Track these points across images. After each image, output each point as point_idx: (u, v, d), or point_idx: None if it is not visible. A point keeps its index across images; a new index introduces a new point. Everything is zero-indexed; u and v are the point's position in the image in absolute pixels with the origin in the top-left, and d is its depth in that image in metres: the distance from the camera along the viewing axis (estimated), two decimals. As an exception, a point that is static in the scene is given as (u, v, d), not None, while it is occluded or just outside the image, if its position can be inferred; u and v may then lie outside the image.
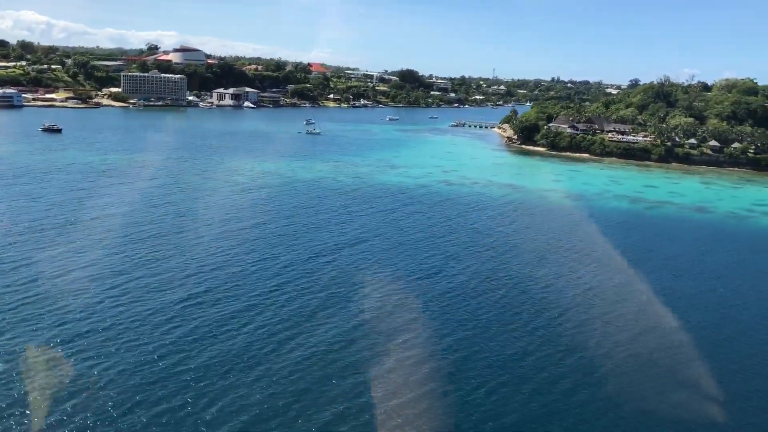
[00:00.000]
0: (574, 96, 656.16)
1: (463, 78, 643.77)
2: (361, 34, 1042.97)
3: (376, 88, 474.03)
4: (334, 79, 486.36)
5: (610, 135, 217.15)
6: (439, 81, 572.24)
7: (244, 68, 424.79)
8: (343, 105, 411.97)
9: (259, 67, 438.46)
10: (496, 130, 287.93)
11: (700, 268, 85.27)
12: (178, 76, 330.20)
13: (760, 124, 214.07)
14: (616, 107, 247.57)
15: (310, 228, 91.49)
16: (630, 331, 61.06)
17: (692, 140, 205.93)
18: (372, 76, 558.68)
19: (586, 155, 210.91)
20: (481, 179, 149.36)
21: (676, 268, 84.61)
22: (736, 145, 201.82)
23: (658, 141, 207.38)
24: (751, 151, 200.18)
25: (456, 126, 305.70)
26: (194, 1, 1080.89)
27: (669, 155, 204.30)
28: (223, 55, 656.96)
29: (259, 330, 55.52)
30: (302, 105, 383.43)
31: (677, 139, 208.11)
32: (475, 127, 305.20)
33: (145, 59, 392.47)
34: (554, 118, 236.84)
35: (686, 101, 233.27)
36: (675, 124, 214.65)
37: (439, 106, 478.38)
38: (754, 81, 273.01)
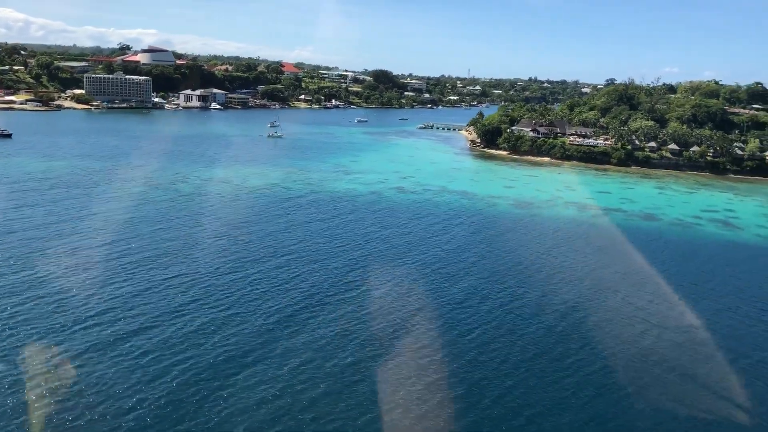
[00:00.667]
0: (549, 96, 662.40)
1: (438, 78, 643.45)
2: (344, 32, 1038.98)
3: (349, 88, 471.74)
4: (307, 80, 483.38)
5: (571, 138, 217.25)
6: (413, 81, 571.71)
7: (214, 69, 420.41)
8: (314, 106, 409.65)
9: (230, 68, 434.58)
10: (463, 132, 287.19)
11: (624, 282, 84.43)
12: (143, 77, 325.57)
13: (719, 127, 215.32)
14: (580, 110, 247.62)
15: (237, 240, 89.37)
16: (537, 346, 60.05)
17: (652, 143, 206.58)
18: (347, 76, 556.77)
19: (546, 159, 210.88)
20: (435, 186, 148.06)
21: (603, 279, 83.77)
22: (695, 148, 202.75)
23: (619, 144, 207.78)
24: (710, 154, 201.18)
25: (424, 128, 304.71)
26: None
27: (629, 159, 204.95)
28: (203, 54, 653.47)
29: (157, 347, 53.48)
30: (272, 106, 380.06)
31: (637, 142, 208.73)
32: (443, 129, 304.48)
33: (112, 60, 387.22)
34: (517, 122, 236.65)
35: (649, 104, 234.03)
36: (636, 127, 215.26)
37: (412, 107, 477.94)
38: (719, 83, 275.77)
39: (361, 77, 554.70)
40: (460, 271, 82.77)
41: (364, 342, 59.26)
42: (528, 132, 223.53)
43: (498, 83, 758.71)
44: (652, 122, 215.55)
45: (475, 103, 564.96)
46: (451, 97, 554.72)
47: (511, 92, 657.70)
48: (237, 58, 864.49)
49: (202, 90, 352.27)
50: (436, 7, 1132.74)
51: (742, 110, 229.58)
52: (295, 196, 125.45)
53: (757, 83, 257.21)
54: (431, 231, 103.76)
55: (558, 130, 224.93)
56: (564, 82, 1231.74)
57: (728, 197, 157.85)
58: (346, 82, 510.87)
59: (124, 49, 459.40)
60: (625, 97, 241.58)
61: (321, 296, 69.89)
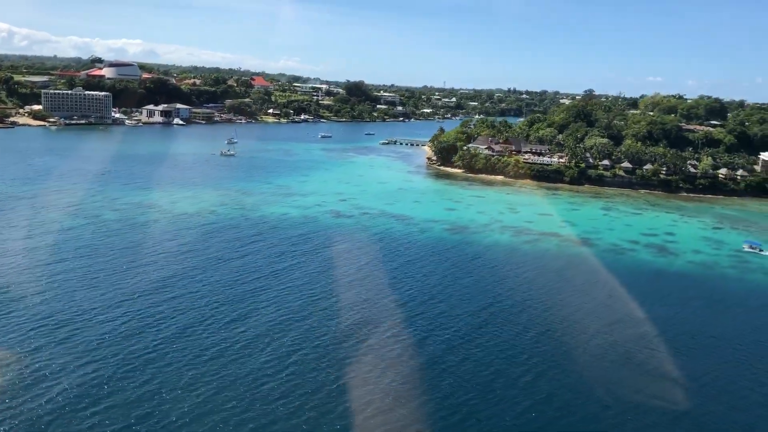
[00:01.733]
0: (525, 108, 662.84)
1: (415, 91, 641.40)
2: (329, 42, 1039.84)
3: (320, 102, 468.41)
4: (278, 93, 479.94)
5: (526, 156, 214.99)
6: (387, 94, 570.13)
7: (181, 83, 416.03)
8: (282, 120, 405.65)
9: (198, 81, 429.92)
10: (426, 148, 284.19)
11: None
12: (103, 93, 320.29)
13: (674, 144, 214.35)
14: (539, 126, 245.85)
15: (126, 274, 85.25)
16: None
17: (606, 162, 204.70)
18: (321, 88, 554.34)
19: (500, 178, 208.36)
20: (375, 209, 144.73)
21: (494, 315, 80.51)
22: (648, 166, 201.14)
23: (572, 163, 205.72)
24: (663, 172, 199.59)
25: (387, 144, 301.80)
26: (161, 9, 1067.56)
27: (582, 177, 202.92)
28: (187, 64, 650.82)
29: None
30: (238, 121, 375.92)
31: (591, 160, 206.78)
32: (406, 145, 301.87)
33: (75, 75, 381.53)
34: (474, 139, 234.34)
35: (605, 120, 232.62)
36: (591, 144, 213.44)
37: (384, 120, 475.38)
38: (681, 97, 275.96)
39: (335, 89, 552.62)
40: (347, 305, 79.32)
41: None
42: (483, 149, 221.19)
43: (475, 95, 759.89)
44: (606, 140, 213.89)
45: (449, 115, 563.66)
46: (425, 110, 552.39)
47: (487, 104, 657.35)
48: (217, 70, 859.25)
49: (165, 105, 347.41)
50: (420, 19, 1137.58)
51: (697, 127, 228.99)
52: (218, 222, 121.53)
53: (716, 99, 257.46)
54: (343, 259, 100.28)
55: (513, 148, 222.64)
56: (544, 92, 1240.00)
57: (673, 218, 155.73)
58: (318, 95, 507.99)
59: (95, 62, 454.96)
60: (582, 114, 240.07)
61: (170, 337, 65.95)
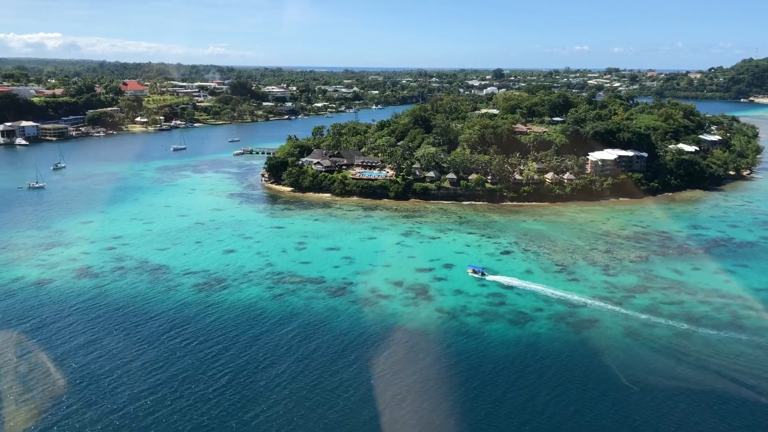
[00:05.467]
0: (428, 94, 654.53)
1: (306, 85, 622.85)
2: (258, 26, 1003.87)
3: (198, 104, 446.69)
4: (156, 96, 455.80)
5: (354, 171, 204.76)
6: (276, 90, 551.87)
7: (36, 95, 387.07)
8: (149, 129, 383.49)
9: (57, 92, 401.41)
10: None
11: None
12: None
13: (505, 148, 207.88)
14: (378, 134, 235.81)
15: None
16: None
17: (431, 174, 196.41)
18: (208, 87, 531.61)
19: (327, 196, 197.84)
20: (139, 258, 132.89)
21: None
22: (473, 176, 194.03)
23: (399, 176, 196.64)
24: (489, 181, 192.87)
25: (241, 154, 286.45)
26: (81, 1, 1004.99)
27: (408, 191, 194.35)
28: (110, 60, 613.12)
29: None
30: (96, 134, 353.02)
31: (417, 172, 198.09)
32: (262, 154, 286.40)
33: None
34: (308, 152, 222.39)
35: (443, 124, 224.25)
36: (420, 154, 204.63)
37: (267, 119, 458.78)
38: (536, 92, 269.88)
39: (222, 87, 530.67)
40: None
41: None
42: (314, 165, 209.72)
43: (376, 83, 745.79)
44: (435, 148, 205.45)
45: (343, 108, 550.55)
46: (317, 104, 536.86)
47: (387, 93, 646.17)
48: (138, 65, 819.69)
49: (9, 123, 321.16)
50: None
51: (532, 127, 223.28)
52: None
53: (560, 95, 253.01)
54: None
55: (344, 162, 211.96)
56: (462, 71, 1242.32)
57: (468, 242, 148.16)
58: (201, 95, 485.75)
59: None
60: (420, 119, 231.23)
61: None
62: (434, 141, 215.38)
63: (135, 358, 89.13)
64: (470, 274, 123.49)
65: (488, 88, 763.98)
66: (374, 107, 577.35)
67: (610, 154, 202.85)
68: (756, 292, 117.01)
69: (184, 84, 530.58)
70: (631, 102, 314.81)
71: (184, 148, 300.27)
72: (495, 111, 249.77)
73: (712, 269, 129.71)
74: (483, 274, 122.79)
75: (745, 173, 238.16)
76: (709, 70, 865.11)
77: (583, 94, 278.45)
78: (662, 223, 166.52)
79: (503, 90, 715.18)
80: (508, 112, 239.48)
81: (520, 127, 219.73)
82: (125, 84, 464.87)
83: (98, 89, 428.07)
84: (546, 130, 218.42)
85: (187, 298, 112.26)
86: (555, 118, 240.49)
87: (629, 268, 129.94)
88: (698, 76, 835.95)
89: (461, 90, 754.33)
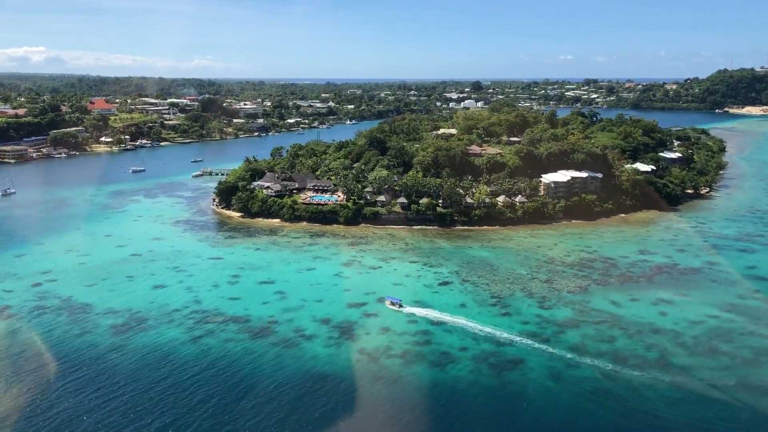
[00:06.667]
0: (404, 108, 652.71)
1: (280, 101, 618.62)
2: (242, 39, 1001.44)
3: (166, 122, 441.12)
4: (124, 115, 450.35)
5: (308, 195, 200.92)
6: (248, 107, 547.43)
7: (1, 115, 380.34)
8: (114, 149, 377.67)
9: (20, 112, 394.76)
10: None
11: None
12: None
13: (459, 170, 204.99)
14: (334, 156, 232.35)
15: None
16: None
17: (382, 198, 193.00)
18: (178, 103, 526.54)
19: (276, 221, 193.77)
20: (64, 296, 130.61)
21: None
22: (424, 200, 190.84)
23: (350, 201, 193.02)
24: (440, 205, 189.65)
25: (200, 175, 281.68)
26: (66, 14, 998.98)
27: (358, 216, 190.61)
28: (93, 74, 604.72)
29: None
30: (58, 156, 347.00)
31: (369, 196, 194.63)
32: (222, 175, 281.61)
33: None
34: (260, 176, 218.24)
35: (398, 145, 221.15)
36: (373, 177, 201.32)
37: (237, 137, 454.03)
38: (498, 111, 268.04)
39: (194, 104, 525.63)
40: None
41: None
42: (265, 189, 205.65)
43: (352, 97, 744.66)
44: (387, 171, 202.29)
45: (317, 124, 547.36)
46: (288, 120, 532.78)
47: (362, 108, 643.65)
48: (117, 79, 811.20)
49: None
50: (331, 12, 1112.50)
51: (486, 149, 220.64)
52: None
53: (518, 115, 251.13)
54: None
55: (297, 185, 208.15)
56: (443, 83, 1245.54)
57: (409, 271, 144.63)
58: (170, 113, 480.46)
59: None
60: (376, 141, 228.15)
61: None
62: (389, 163, 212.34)
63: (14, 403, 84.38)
64: (388, 306, 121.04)
65: (466, 101, 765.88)
66: (348, 122, 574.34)
67: (563, 175, 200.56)
68: (690, 325, 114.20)
69: (156, 101, 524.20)
70: (594, 119, 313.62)
71: (143, 170, 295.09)
72: (454, 131, 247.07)
73: (650, 300, 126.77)
74: (400, 306, 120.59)
75: (704, 191, 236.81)
76: (685, 81, 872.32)
77: (545, 112, 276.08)
78: (610, 247, 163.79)
79: (480, 103, 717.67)
80: (466, 132, 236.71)
81: (474, 148, 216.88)
82: (92, 103, 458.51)
83: (64, 108, 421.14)
84: (500, 151, 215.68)
85: (98, 341, 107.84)
86: (512, 138, 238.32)
87: (566, 299, 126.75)
88: (674, 87, 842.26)
89: (438, 103, 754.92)
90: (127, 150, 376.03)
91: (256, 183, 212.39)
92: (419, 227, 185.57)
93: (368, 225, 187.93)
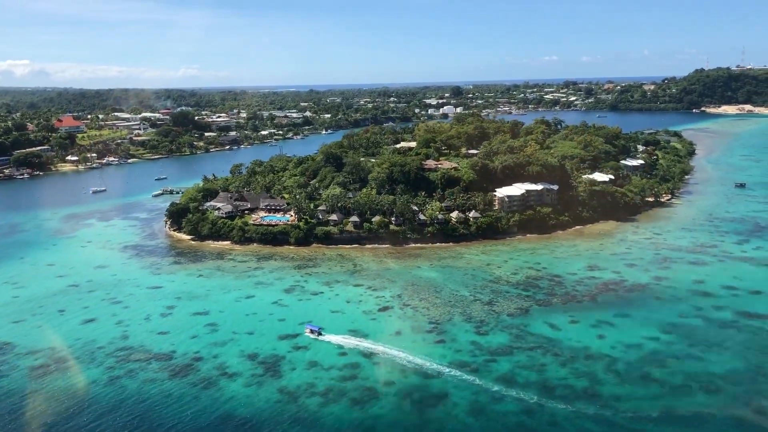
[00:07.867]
0: (381, 116, 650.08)
1: (255, 113, 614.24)
2: (230, 47, 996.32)
3: (135, 138, 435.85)
4: (93, 132, 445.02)
5: (258, 216, 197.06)
6: (220, 119, 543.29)
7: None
8: (80, 168, 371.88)
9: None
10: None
11: None
12: None
13: (415, 186, 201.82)
14: (291, 173, 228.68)
15: None
16: None
17: (334, 216, 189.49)
18: (149, 118, 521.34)
19: (227, 244, 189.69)
20: None
21: None
22: (377, 217, 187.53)
23: (301, 221, 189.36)
24: (393, 223, 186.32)
25: (161, 195, 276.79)
26: (50, 26, 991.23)
27: (310, 236, 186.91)
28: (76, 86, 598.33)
29: None
30: (20, 177, 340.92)
31: (321, 216, 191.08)
32: (181, 193, 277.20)
33: None
34: (212, 196, 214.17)
35: (354, 161, 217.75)
36: (327, 195, 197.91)
37: (207, 151, 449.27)
38: (461, 124, 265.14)
39: (166, 118, 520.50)
40: None
41: None
42: (216, 210, 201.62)
43: (331, 105, 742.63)
44: (340, 189, 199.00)
45: (291, 135, 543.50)
46: (262, 132, 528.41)
47: (339, 117, 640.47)
48: (98, 92, 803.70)
49: None
50: (320, 16, 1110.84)
51: (441, 163, 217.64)
52: None
53: (476, 127, 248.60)
54: None
55: (249, 205, 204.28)
56: (425, 88, 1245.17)
57: (351, 296, 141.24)
58: (141, 128, 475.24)
59: None
60: (332, 157, 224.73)
61: None
62: (344, 180, 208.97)
63: None
64: (307, 334, 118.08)
65: (445, 107, 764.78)
66: (324, 132, 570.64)
67: (517, 188, 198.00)
68: (626, 350, 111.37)
69: (127, 116, 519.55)
70: (558, 126, 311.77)
71: (104, 190, 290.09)
72: (413, 144, 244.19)
73: (590, 322, 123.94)
74: (320, 334, 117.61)
75: (665, 198, 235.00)
76: (663, 81, 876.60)
77: (508, 122, 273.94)
78: (559, 264, 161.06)
79: (459, 108, 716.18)
80: (424, 145, 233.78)
81: (430, 163, 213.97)
82: (60, 120, 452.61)
83: (30, 127, 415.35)
84: (456, 165, 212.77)
85: (12, 387, 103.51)
86: (471, 151, 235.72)
87: (504, 323, 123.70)
88: (652, 87, 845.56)
89: (417, 110, 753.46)
90: (93, 168, 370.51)
91: (208, 203, 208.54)
92: (371, 246, 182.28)
93: (320, 245, 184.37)
